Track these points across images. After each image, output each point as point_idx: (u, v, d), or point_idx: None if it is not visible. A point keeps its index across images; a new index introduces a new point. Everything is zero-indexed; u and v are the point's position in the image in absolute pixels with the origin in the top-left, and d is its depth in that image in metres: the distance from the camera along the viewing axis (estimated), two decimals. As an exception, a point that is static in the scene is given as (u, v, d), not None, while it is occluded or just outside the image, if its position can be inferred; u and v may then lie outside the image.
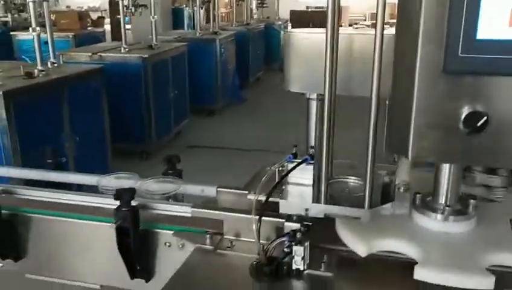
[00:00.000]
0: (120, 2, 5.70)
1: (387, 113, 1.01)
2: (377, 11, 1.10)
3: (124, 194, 1.34)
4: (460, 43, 0.80)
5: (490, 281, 1.04)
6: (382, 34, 1.10)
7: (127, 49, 5.82)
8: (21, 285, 2.32)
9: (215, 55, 7.76)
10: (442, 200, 1.22)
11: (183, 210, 1.44)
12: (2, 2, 10.36)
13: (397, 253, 1.18)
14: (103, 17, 12.20)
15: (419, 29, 0.83)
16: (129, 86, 5.54)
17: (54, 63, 4.66)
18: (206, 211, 1.41)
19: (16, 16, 10.27)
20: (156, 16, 6.15)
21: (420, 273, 1.08)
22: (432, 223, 1.22)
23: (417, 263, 1.09)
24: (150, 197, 1.52)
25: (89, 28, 9.88)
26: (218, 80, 7.94)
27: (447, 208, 1.21)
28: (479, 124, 0.83)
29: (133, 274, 1.46)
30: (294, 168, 1.31)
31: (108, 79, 4.96)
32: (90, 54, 5.67)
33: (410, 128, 0.90)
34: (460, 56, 0.81)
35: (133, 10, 5.99)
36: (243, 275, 1.21)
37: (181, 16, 12.15)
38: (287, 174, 1.31)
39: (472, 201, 1.22)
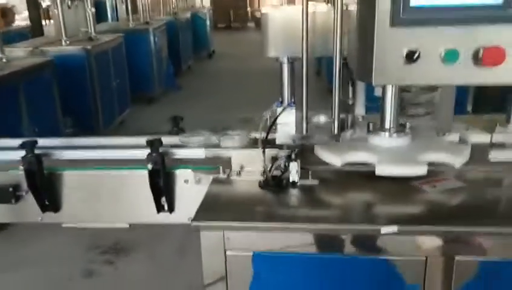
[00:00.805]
0: (57, -4, 5.83)
1: (357, 57, 1.52)
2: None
3: (154, 143, 1.74)
4: (401, 8, 1.33)
5: (424, 169, 1.58)
6: (341, 9, 1.60)
7: (67, 42, 5.96)
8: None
9: (150, 44, 8.03)
10: (387, 124, 1.76)
11: (198, 153, 1.86)
12: None
13: (361, 163, 1.69)
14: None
15: (375, 2, 1.34)
16: (74, 78, 5.71)
17: (2, 58, 4.78)
18: (216, 150, 1.84)
19: None
20: (93, 9, 6.33)
21: (379, 170, 1.60)
22: (382, 140, 1.75)
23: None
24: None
25: (14, 25, 9.65)
26: (154, 69, 8.21)
27: (392, 128, 1.74)
28: (414, 57, 1.36)
29: (159, 209, 1.86)
30: (282, 112, 1.79)
31: (54, 73, 5.14)
32: (31, 48, 5.76)
33: (373, 64, 1.41)
34: (401, 16, 1.33)
35: (69, 3, 6.12)
36: (254, 189, 1.66)
37: (103, 8, 12.10)
38: (279, 116, 1.78)
39: (407, 123, 1.76)
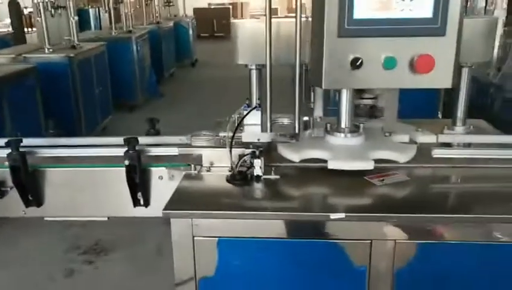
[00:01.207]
0: (41, 4, 5.95)
1: (310, 63, 1.71)
2: (296, 5, 1.79)
3: (131, 141, 1.90)
4: (346, 20, 1.52)
5: (371, 164, 1.77)
6: (300, 20, 1.79)
7: (51, 50, 6.08)
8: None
9: (132, 52, 8.16)
10: (342, 125, 1.95)
11: (171, 151, 2.03)
12: None
13: (316, 159, 1.87)
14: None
15: (324, 14, 1.54)
16: (57, 85, 5.81)
17: (-16, 65, 4.89)
18: (188, 149, 2.01)
19: None
20: (76, 17, 6.46)
21: (331, 164, 1.78)
22: (337, 139, 1.94)
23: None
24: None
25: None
26: (137, 77, 8.34)
27: (346, 129, 1.94)
28: (358, 63, 1.55)
29: (135, 203, 2.02)
30: (248, 113, 1.97)
31: (37, 79, 5.26)
32: (13, 55, 5.86)
33: (323, 70, 1.60)
34: (346, 28, 1.53)
35: (52, 12, 6.24)
36: (222, 183, 1.84)
37: (86, 17, 12.20)
38: (245, 116, 1.96)
39: (361, 124, 1.96)
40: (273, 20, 1.92)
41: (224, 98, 9.86)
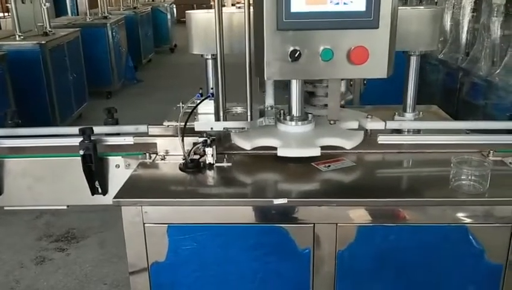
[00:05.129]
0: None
1: (254, 55, 1.76)
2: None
3: (86, 131, 1.94)
4: (284, 14, 1.57)
5: (318, 150, 1.84)
6: (249, 10, 1.83)
7: (22, 37, 6.02)
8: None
9: (107, 38, 8.09)
10: (293, 113, 2.01)
11: (127, 140, 2.07)
12: None
13: (268, 147, 1.93)
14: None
15: (263, 9, 1.59)
16: (29, 72, 5.77)
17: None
18: (143, 138, 2.06)
19: None
20: (47, 3, 6.39)
21: (281, 152, 1.85)
22: (288, 127, 2.00)
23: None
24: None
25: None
26: (113, 63, 8.28)
27: (296, 117, 2.00)
28: (296, 55, 1.60)
29: (93, 191, 2.06)
30: (201, 102, 2.01)
31: (9, 66, 5.22)
32: (-17, 43, 5.79)
33: (264, 61, 1.65)
34: (284, 21, 1.58)
35: (24, -1, 6.17)
36: (175, 171, 1.89)
37: (62, 2, 12.02)
38: (197, 105, 2.00)
39: (310, 114, 2.02)
40: (225, 10, 1.96)
41: (203, 84, 9.82)
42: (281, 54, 1.63)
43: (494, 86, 4.03)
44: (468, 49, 4.87)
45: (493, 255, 1.67)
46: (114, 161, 2.05)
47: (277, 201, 1.61)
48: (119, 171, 2.04)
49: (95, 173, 2.00)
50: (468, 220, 1.64)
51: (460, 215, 1.64)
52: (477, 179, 1.64)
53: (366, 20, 1.56)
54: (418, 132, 2.21)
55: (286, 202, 1.61)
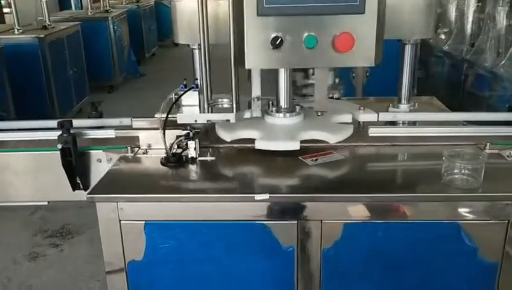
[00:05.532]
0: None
1: (235, 43, 1.67)
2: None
3: (65, 124, 1.87)
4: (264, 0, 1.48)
5: (297, 144, 1.75)
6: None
7: (20, 31, 5.97)
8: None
9: (109, 32, 8.02)
10: (281, 104, 1.92)
11: (109, 133, 2.00)
12: None
13: (248, 139, 1.84)
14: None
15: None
16: (28, 66, 5.73)
17: None
18: (125, 131, 1.98)
19: None
20: (46, -3, 6.34)
21: (258, 144, 1.76)
22: (275, 119, 1.91)
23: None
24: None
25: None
26: (115, 57, 8.22)
27: (284, 109, 1.91)
28: (277, 42, 1.51)
29: (74, 187, 1.99)
30: (184, 93, 1.92)
31: (6, 61, 5.17)
32: (-19, 37, 5.74)
33: (245, 49, 1.57)
34: (265, 6, 1.49)
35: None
36: (156, 166, 1.81)
37: (67, -4, 11.98)
38: (179, 97, 1.92)
39: (298, 106, 1.93)
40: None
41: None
42: (262, 42, 1.54)
43: (499, 78, 3.92)
44: (473, 40, 4.75)
45: (488, 253, 1.58)
46: (96, 155, 1.98)
47: (258, 197, 1.53)
48: (101, 165, 1.97)
49: (75, 167, 1.92)
50: (461, 217, 1.55)
51: (452, 211, 1.55)
52: (471, 173, 1.54)
53: (352, 4, 1.46)
54: (414, 124, 2.11)
55: (268, 197, 1.53)
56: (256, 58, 1.58)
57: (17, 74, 5.46)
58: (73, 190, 1.99)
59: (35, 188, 2.05)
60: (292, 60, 1.57)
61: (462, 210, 1.54)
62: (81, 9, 10.47)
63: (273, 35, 1.52)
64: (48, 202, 2.11)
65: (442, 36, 5.22)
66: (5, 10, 10.83)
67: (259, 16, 1.51)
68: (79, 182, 1.98)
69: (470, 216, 1.54)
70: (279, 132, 1.83)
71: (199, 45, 2.02)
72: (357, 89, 4.56)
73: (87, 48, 7.31)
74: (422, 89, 5.57)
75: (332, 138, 1.80)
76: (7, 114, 4.94)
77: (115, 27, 8.25)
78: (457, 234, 1.55)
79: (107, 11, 8.64)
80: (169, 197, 1.60)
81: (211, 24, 1.86)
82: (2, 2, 8.18)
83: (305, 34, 1.52)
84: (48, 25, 6.35)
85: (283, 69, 1.85)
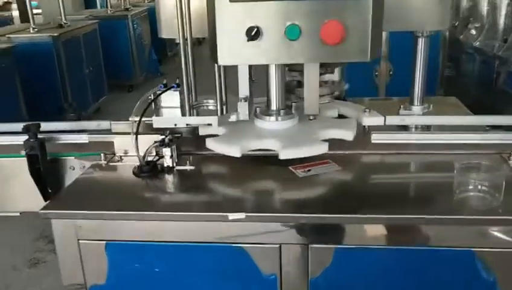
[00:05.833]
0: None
1: (208, 35, 1.45)
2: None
3: (31, 128, 1.69)
4: None
5: (326, 146, 1.51)
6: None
7: (36, 30, 5.90)
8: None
9: (128, 31, 7.93)
10: (272, 107, 1.68)
11: (82, 138, 1.81)
12: None
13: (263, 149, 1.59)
14: (10, 2, 11.83)
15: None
16: (42, 65, 5.65)
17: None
18: (100, 136, 1.79)
19: None
20: (63, -5, 6.26)
21: (283, 154, 1.51)
22: (265, 123, 1.68)
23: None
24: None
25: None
26: (134, 56, 8.11)
27: (275, 111, 1.67)
28: (253, 34, 1.28)
29: (45, 197, 1.81)
30: (161, 93, 1.71)
31: (20, 59, 5.10)
32: (-4, 36, 5.70)
33: (217, 44, 1.34)
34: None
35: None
36: (127, 176, 1.61)
37: (92, -5, 11.97)
38: (156, 98, 1.71)
39: (294, 104, 1.69)
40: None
41: (232, 77, 9.50)
42: (236, 33, 1.31)
43: (534, 75, 3.61)
44: (506, 36, 4.42)
45: (508, 287, 1.30)
46: (69, 162, 1.79)
47: (233, 216, 1.30)
48: (74, 174, 1.79)
49: (45, 175, 1.74)
50: (475, 243, 1.28)
51: (465, 236, 1.28)
52: (488, 190, 1.28)
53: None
54: (428, 128, 1.84)
55: (244, 217, 1.30)
56: (229, 52, 1.34)
57: (31, 73, 5.39)
58: (45, 200, 1.81)
59: (5, 198, 1.88)
60: (271, 55, 1.33)
61: (477, 235, 1.27)
62: (106, 7, 10.46)
63: (249, 25, 1.28)
64: (20, 213, 1.94)
65: (473, 31, 4.89)
66: (36, 11, 11.01)
67: (232, 2, 1.27)
68: (50, 191, 1.80)
69: (487, 243, 1.27)
70: (290, 136, 1.58)
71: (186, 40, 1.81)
72: (379, 88, 4.30)
73: (105, 46, 7.22)
74: (452, 88, 5.24)
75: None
76: (15, 115, 4.86)
77: (135, 26, 8.14)
78: (471, 264, 1.29)
79: (127, 9, 8.53)
80: (133, 214, 1.39)
81: (197, 16, 1.65)
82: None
83: (287, 24, 1.28)
84: (64, 23, 6.27)
85: (273, 65, 1.61)
